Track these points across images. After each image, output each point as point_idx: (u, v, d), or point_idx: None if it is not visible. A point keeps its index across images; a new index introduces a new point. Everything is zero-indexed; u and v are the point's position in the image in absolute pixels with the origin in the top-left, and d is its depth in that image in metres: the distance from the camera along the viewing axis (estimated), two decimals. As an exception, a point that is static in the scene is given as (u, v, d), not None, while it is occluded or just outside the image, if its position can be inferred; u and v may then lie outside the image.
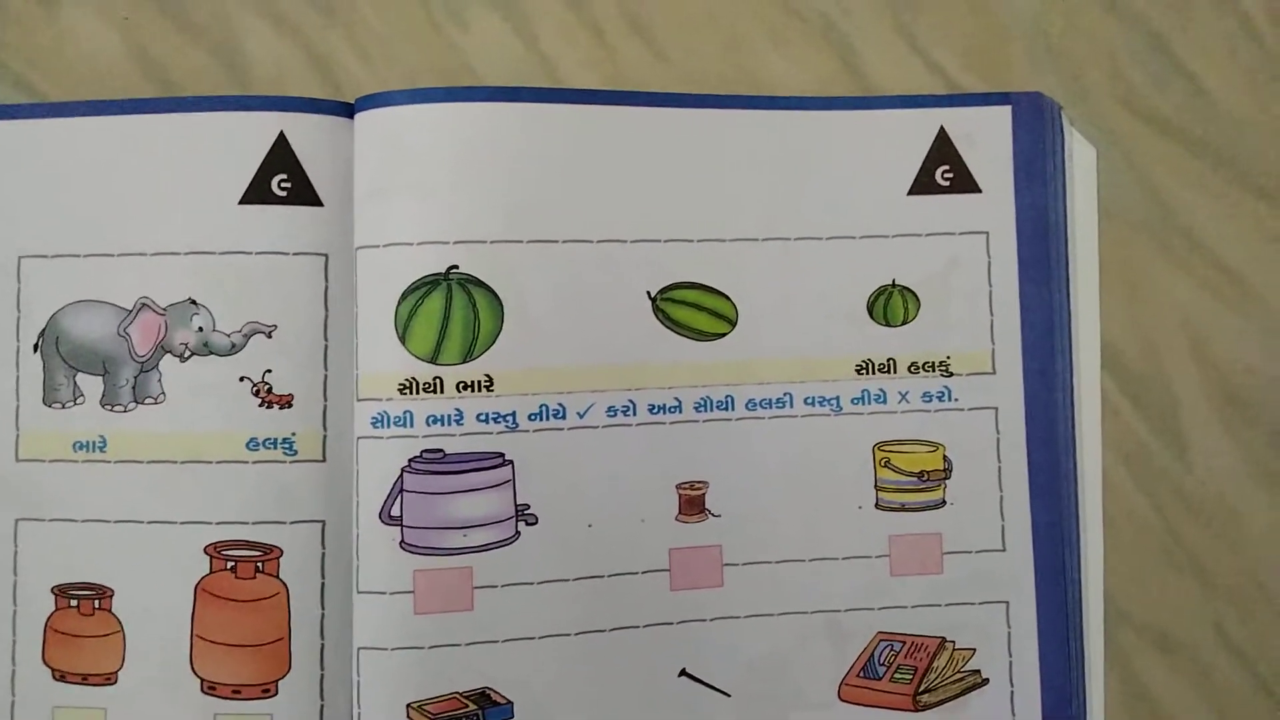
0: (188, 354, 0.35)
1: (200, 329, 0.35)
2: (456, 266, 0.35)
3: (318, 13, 0.38)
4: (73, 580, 0.35)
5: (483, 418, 0.35)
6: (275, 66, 0.38)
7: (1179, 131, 0.39)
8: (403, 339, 0.35)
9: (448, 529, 0.35)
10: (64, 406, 0.35)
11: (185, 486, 0.35)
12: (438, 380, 0.35)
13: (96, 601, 0.35)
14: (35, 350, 0.35)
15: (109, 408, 0.35)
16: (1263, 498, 0.38)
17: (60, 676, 0.35)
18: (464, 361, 0.35)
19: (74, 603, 0.35)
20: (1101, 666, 0.38)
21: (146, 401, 0.35)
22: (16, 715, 0.35)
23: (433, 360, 0.35)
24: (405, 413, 0.35)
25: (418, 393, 0.35)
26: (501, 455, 0.35)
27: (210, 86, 0.38)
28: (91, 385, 0.35)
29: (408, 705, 0.34)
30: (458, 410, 0.35)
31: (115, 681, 0.35)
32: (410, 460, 0.35)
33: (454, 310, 0.35)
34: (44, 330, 0.35)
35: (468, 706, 0.34)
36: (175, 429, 0.35)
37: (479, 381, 0.35)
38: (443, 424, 0.35)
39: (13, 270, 0.36)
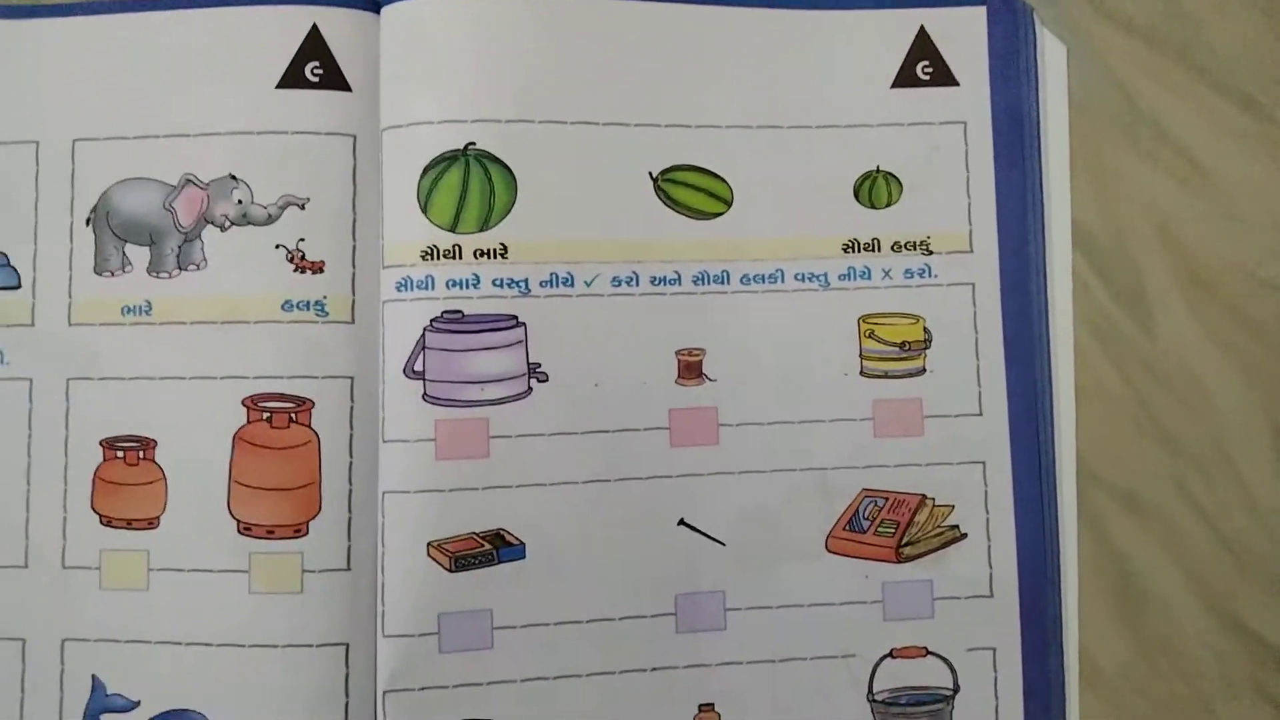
0: (228, 224, 0.40)
1: (239, 201, 0.40)
2: (474, 143, 0.40)
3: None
4: (119, 433, 0.40)
5: (498, 283, 0.40)
6: (306, -31, 0.43)
7: (1144, 30, 0.44)
8: (424, 210, 0.40)
9: (466, 383, 0.40)
10: (113, 275, 0.41)
11: (224, 345, 0.40)
12: (457, 247, 0.40)
13: (141, 452, 0.40)
14: (87, 224, 0.41)
15: (155, 275, 0.41)
16: (1223, 367, 0.43)
17: (107, 522, 0.40)
18: (481, 231, 0.40)
19: (120, 454, 0.40)
20: (1074, 524, 0.43)
21: (189, 268, 0.41)
22: (67, 558, 0.40)
23: (452, 229, 0.40)
24: (427, 277, 0.40)
25: (438, 259, 0.40)
26: (515, 317, 0.40)
27: (246, -12, 0.43)
28: (139, 255, 0.41)
29: (428, 544, 0.39)
30: (475, 275, 0.40)
31: (158, 525, 0.40)
32: (432, 320, 0.40)
33: (471, 183, 0.40)
34: (95, 206, 0.41)
35: (483, 546, 0.39)
36: (216, 293, 0.40)
37: (494, 249, 0.40)
38: (461, 287, 0.40)
39: (67, 152, 0.41)
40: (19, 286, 0.41)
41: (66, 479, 0.40)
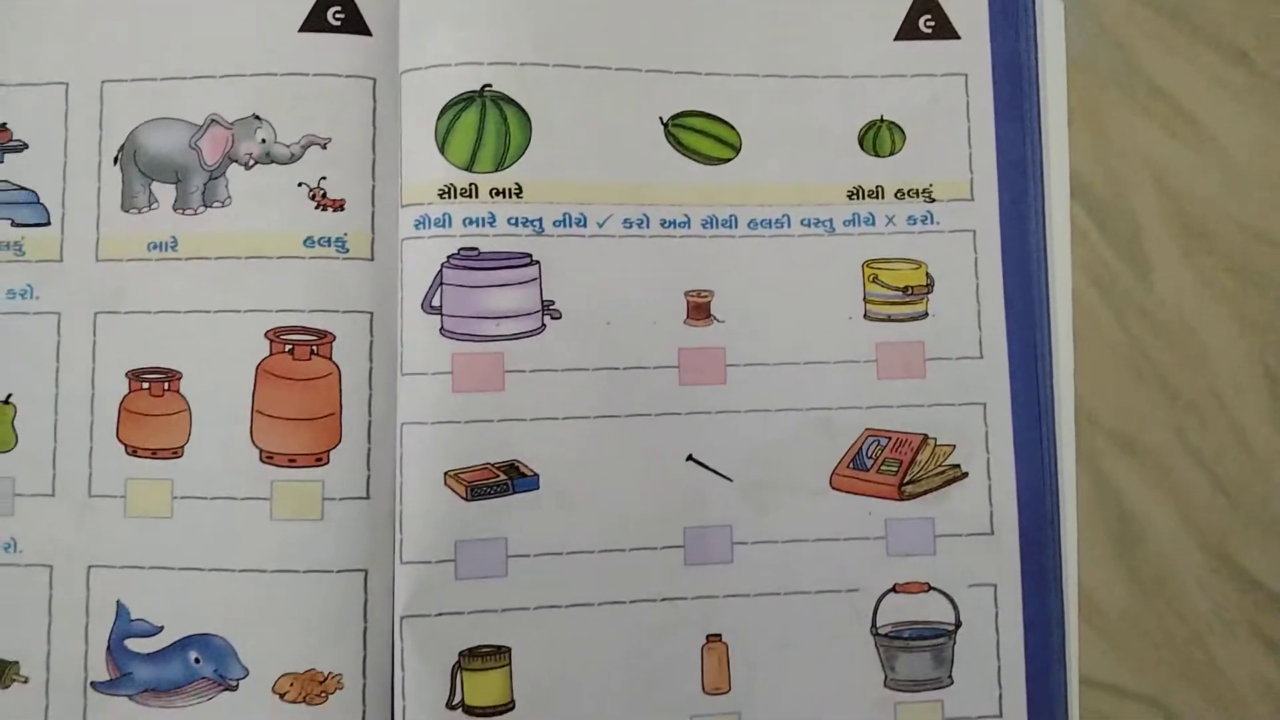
0: (252, 163, 0.42)
1: (263, 140, 0.42)
2: (490, 85, 0.42)
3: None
4: (145, 365, 0.42)
5: (512, 221, 0.42)
6: (329, -78, 0.45)
7: (1140, -12, 0.46)
8: (442, 149, 0.42)
9: (482, 318, 0.41)
10: (140, 211, 0.42)
11: (248, 279, 0.41)
12: (473, 186, 0.42)
13: (166, 384, 0.41)
14: (115, 163, 0.42)
15: (181, 211, 0.42)
16: (1219, 315, 0.45)
17: (132, 451, 0.41)
18: (496, 170, 0.42)
19: (146, 385, 0.41)
20: (1073, 465, 0.44)
21: (214, 205, 0.42)
22: (93, 486, 0.41)
23: (468, 168, 0.42)
24: (444, 215, 0.41)
25: (455, 197, 0.41)
26: (529, 256, 0.42)
27: (270, -60, 0.44)
28: (165, 192, 0.42)
29: (445, 473, 0.41)
30: (491, 214, 0.41)
31: (182, 455, 0.41)
32: (449, 257, 0.41)
33: (488, 124, 0.41)
34: (123, 145, 0.42)
35: (499, 476, 0.41)
36: (240, 229, 0.42)
37: (509, 189, 0.42)
38: (477, 225, 0.41)
39: (96, 93, 0.43)
40: (48, 223, 0.42)
41: (93, 410, 0.42)
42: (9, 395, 0.42)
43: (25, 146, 0.43)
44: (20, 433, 0.42)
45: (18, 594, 0.41)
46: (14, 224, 0.42)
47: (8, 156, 0.43)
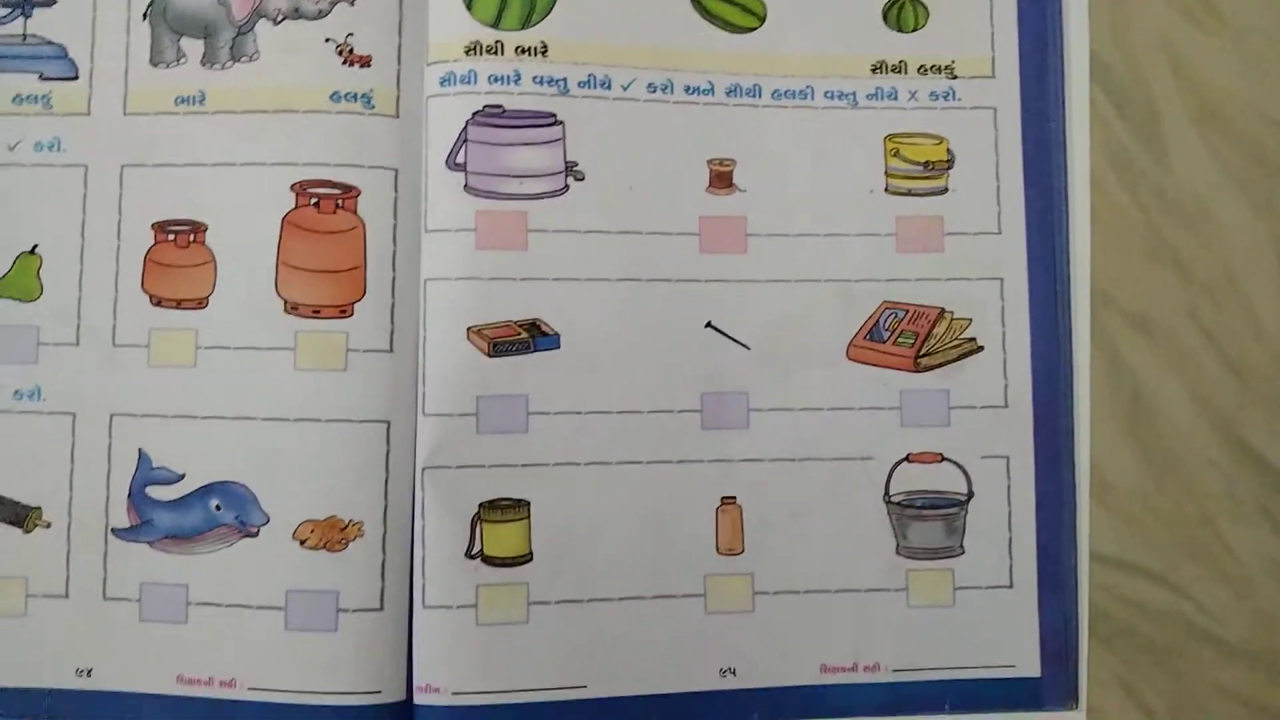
0: (280, 18, 0.42)
1: (292, -5, 0.42)
2: (518, -56, 0.42)
3: None
4: (171, 218, 0.42)
5: (538, 80, 0.42)
6: None
7: (1165, -127, 0.46)
8: (469, 7, 0.42)
9: (506, 176, 0.42)
10: (168, 66, 0.43)
11: (275, 132, 0.42)
12: (499, 44, 0.42)
13: (192, 235, 0.42)
14: (144, 18, 0.43)
15: (209, 66, 0.42)
16: (1235, 199, 0.45)
17: (157, 302, 0.42)
18: (523, 28, 0.42)
19: (171, 237, 0.42)
20: (1087, 342, 0.44)
21: (242, 60, 0.42)
22: (117, 336, 0.42)
23: (495, 25, 0.42)
24: (470, 72, 0.42)
25: (481, 54, 0.42)
26: (554, 115, 0.42)
27: None
28: (193, 47, 0.43)
29: (467, 329, 0.41)
30: (516, 71, 0.42)
31: (207, 305, 0.42)
32: (474, 114, 0.41)
33: (515, -18, 0.42)
34: (153, 1, 0.43)
35: (520, 334, 0.41)
36: (267, 83, 0.42)
37: (535, 47, 0.42)
38: (503, 83, 0.42)
39: (126, -49, 0.43)
40: (76, 78, 0.43)
41: (118, 261, 0.42)
42: (35, 245, 0.42)
43: (54, 2, 0.43)
44: (46, 283, 0.42)
45: (41, 441, 0.41)
46: (42, 77, 0.43)
47: (37, 11, 0.43)
